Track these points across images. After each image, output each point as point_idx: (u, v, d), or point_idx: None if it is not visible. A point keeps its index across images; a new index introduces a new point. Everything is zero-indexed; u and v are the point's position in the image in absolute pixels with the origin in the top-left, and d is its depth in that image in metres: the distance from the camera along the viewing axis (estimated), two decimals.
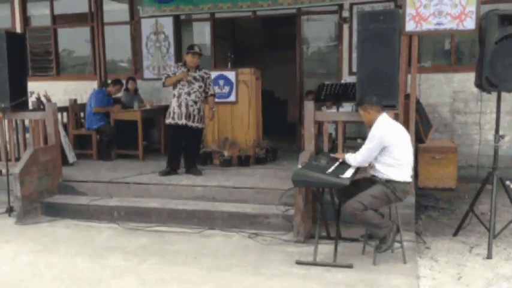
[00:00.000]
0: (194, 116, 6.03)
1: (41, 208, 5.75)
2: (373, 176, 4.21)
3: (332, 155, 4.53)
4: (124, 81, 8.17)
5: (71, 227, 5.33)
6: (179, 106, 5.98)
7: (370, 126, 4.26)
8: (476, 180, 5.75)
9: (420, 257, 4.29)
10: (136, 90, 8.27)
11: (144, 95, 8.41)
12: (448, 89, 7.29)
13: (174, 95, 6.06)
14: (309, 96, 7.29)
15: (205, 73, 6.14)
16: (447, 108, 7.31)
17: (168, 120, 6.07)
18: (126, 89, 8.18)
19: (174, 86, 6.04)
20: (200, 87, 6.05)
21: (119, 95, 8.03)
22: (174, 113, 6.01)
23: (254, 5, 7.93)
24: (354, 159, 4.23)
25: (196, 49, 6.05)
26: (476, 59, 4.56)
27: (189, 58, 6.02)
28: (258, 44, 11.56)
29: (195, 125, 6.06)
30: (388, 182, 4.06)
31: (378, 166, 4.14)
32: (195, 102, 6.02)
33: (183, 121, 6.00)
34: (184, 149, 6.23)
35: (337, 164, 4.28)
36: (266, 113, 7.27)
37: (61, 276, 4.03)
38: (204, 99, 6.15)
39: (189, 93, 5.98)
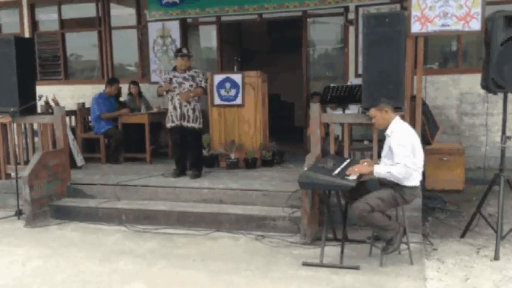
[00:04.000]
0: (189, 116, 6.08)
1: (50, 211, 5.79)
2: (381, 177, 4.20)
3: (354, 171, 4.07)
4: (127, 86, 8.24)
5: (79, 230, 5.37)
6: (174, 108, 6.10)
7: (383, 129, 4.23)
8: (483, 182, 5.75)
9: (427, 258, 4.28)
10: (140, 94, 8.30)
11: (152, 98, 8.43)
12: (455, 91, 7.27)
13: (168, 99, 6.20)
14: (315, 98, 7.30)
15: (195, 72, 6.20)
16: (454, 110, 7.29)
17: (168, 124, 6.21)
18: (130, 94, 8.22)
19: (167, 91, 6.14)
20: (191, 86, 6.11)
21: (121, 99, 8.08)
22: (171, 115, 6.14)
23: (260, 8, 7.96)
24: (398, 172, 3.92)
25: (185, 51, 6.20)
26: (483, 60, 4.55)
27: (179, 61, 6.14)
28: (265, 47, 11.58)
29: (190, 125, 6.10)
30: (397, 185, 4.04)
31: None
32: (188, 102, 6.08)
33: (179, 122, 6.09)
34: (188, 151, 6.27)
35: (343, 165, 4.28)
36: (273, 117, 7.28)
37: (70, 280, 4.06)
38: (198, 98, 6.19)
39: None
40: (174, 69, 6.22)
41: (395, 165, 3.97)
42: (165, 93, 6.16)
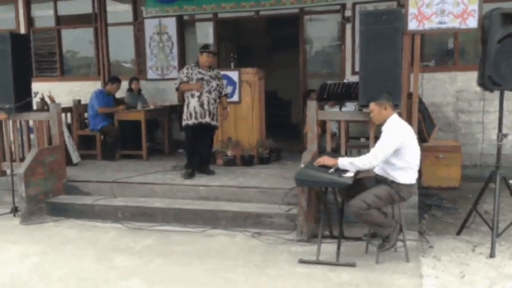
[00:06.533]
0: (214, 115, 6.05)
1: (46, 208, 5.77)
2: (378, 175, 4.21)
3: (319, 161, 4.17)
4: (127, 82, 8.21)
5: (75, 227, 5.35)
6: (201, 105, 5.91)
7: (379, 125, 4.23)
8: (480, 180, 5.74)
9: (423, 256, 4.28)
10: (139, 91, 8.29)
11: (148, 95, 8.44)
12: (452, 89, 7.29)
13: (192, 95, 5.93)
14: (311, 95, 7.30)
15: (218, 73, 6.19)
16: (451, 107, 7.30)
17: (191, 121, 5.93)
18: (130, 90, 8.20)
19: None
20: (217, 85, 6.08)
21: (118, 95, 8.04)
22: (195, 112, 5.91)
23: (257, 5, 7.95)
24: (362, 162, 4.00)
25: (212, 49, 6.13)
26: (479, 58, 4.55)
27: (204, 58, 5.98)
28: (262, 45, 11.56)
29: (213, 123, 6.07)
30: (393, 183, 4.05)
31: (385, 167, 4.10)
32: (215, 100, 6.05)
33: (206, 119, 5.96)
34: (202, 149, 6.19)
35: None
36: (269, 114, 7.27)
37: (67, 277, 4.05)
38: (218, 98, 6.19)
39: (209, 92, 5.98)
40: (197, 65, 6.03)
41: (367, 154, 4.04)
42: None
